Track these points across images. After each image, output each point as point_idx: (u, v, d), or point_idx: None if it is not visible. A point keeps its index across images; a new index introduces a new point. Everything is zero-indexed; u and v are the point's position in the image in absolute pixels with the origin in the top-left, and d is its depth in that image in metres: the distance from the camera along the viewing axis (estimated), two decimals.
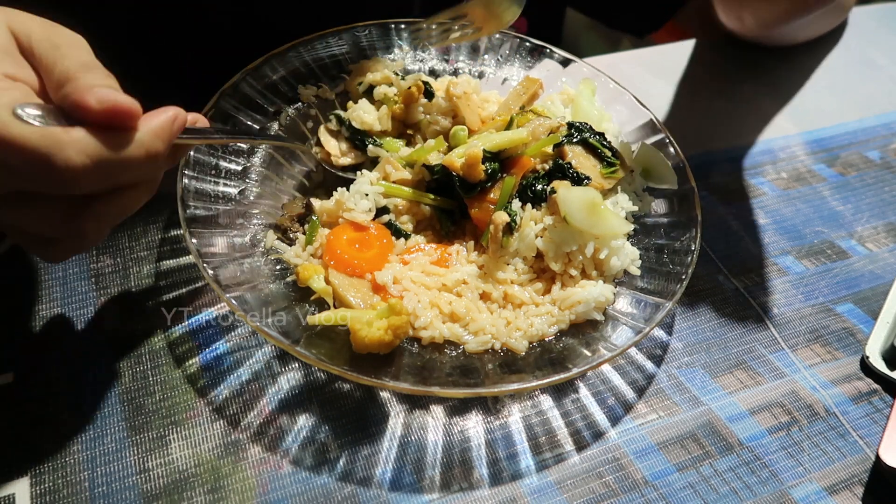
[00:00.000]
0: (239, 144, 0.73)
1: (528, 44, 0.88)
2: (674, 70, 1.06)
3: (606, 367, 0.69)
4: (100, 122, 0.47)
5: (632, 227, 0.74)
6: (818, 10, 0.68)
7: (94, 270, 0.70)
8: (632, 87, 0.86)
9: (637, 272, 0.71)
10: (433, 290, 0.67)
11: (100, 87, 0.48)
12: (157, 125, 0.50)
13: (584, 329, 0.67)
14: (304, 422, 0.62)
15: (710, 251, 0.81)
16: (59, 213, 0.50)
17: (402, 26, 0.86)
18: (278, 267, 0.68)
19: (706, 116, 0.99)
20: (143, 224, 0.74)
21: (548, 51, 0.88)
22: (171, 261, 0.71)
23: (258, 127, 0.76)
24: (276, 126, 0.78)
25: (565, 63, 0.87)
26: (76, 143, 0.46)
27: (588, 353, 0.63)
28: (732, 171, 0.92)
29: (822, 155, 0.96)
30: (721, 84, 1.04)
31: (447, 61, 0.88)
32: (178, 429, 0.60)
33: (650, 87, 1.01)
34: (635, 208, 0.77)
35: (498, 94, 0.87)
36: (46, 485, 0.56)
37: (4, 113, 0.46)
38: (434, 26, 0.78)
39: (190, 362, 0.64)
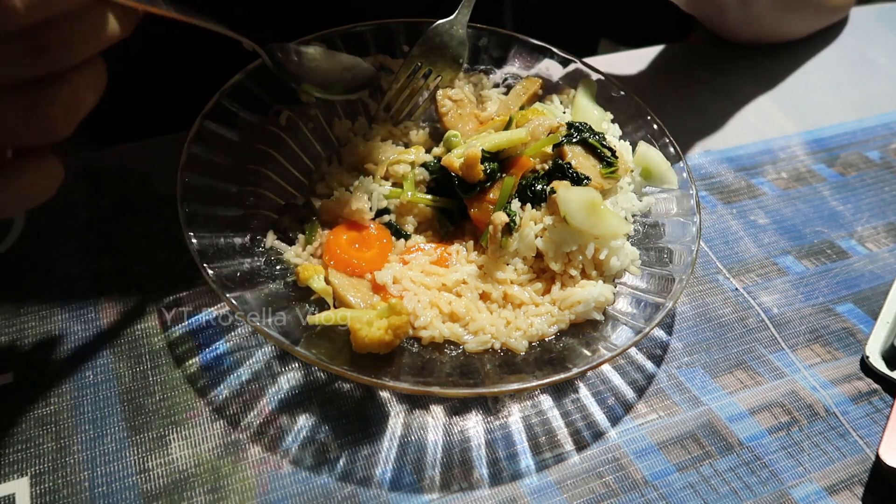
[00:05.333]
0: (240, 142, 0.73)
1: (528, 44, 0.88)
2: (674, 70, 1.06)
3: (606, 367, 0.69)
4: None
5: (632, 227, 0.74)
6: None
7: (94, 270, 0.70)
8: (632, 87, 0.86)
9: (637, 272, 0.71)
10: (433, 290, 0.67)
11: None
12: None
13: (584, 329, 0.67)
14: (304, 422, 0.62)
15: (710, 251, 0.81)
16: (18, 100, 0.43)
17: (402, 26, 0.86)
18: (278, 267, 0.68)
19: (706, 116, 0.99)
20: (143, 224, 0.74)
21: (548, 51, 0.88)
22: (171, 261, 0.71)
23: (258, 126, 0.76)
24: (276, 125, 0.77)
25: (565, 63, 0.87)
26: None
27: (588, 353, 0.63)
28: (732, 171, 0.92)
29: (821, 155, 0.96)
30: (721, 84, 1.04)
31: None
32: (178, 429, 0.60)
33: (650, 87, 1.01)
34: (635, 208, 0.77)
35: (498, 93, 0.87)
36: (46, 485, 0.56)
37: None
38: (401, 91, 0.80)
39: (190, 362, 0.64)
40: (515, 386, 0.59)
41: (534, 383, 0.59)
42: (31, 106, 0.44)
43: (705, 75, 1.05)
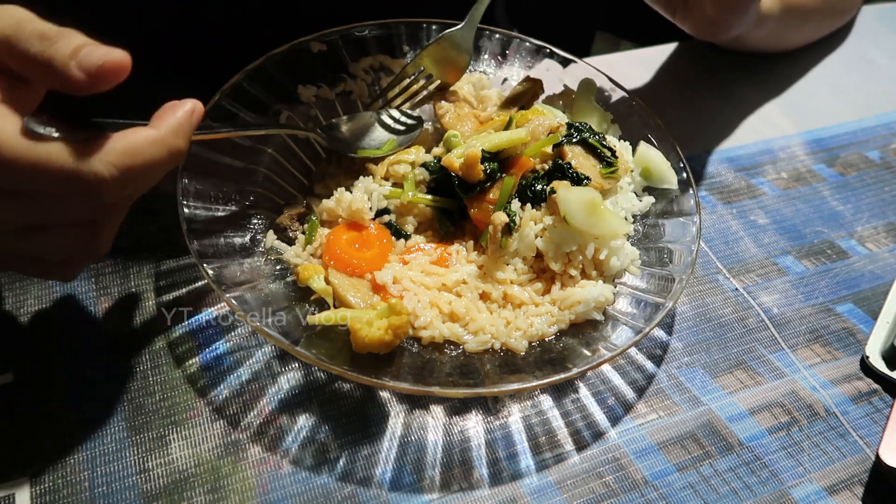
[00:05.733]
0: (239, 142, 0.73)
1: (528, 44, 0.88)
2: (674, 70, 1.06)
3: (606, 367, 0.69)
4: (97, 90, 0.47)
5: (631, 227, 0.74)
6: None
7: (94, 270, 0.70)
8: (632, 87, 0.86)
9: (637, 272, 0.71)
10: (433, 290, 0.67)
11: (75, 51, 0.46)
12: (175, 123, 0.50)
13: (584, 329, 0.67)
14: (304, 422, 0.62)
15: (710, 251, 0.81)
16: (77, 231, 0.50)
17: (402, 26, 0.86)
18: (278, 267, 0.68)
19: (706, 116, 0.99)
20: (143, 224, 0.74)
21: (548, 51, 0.88)
22: (171, 261, 0.71)
23: (257, 124, 0.76)
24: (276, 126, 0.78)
25: (565, 63, 0.87)
26: (101, 155, 0.46)
27: (588, 353, 0.63)
28: (732, 171, 0.92)
29: (822, 155, 0.96)
30: (721, 84, 1.04)
31: None
32: (178, 429, 0.60)
33: (650, 87, 1.01)
34: (635, 208, 0.77)
35: (498, 93, 0.87)
36: (46, 485, 0.56)
37: (16, 138, 0.45)
38: (398, 90, 0.81)
39: (190, 362, 0.64)
40: (515, 386, 0.59)
41: (534, 383, 0.59)
42: (88, 238, 0.52)
43: (706, 75, 1.05)
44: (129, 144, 0.47)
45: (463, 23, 0.79)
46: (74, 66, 0.46)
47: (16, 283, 0.68)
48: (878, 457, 0.63)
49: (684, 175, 0.77)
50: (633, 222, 0.76)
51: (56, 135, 0.45)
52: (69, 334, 0.65)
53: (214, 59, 0.80)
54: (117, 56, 0.47)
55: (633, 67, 1.04)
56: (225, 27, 0.91)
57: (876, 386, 0.71)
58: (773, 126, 1.00)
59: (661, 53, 1.09)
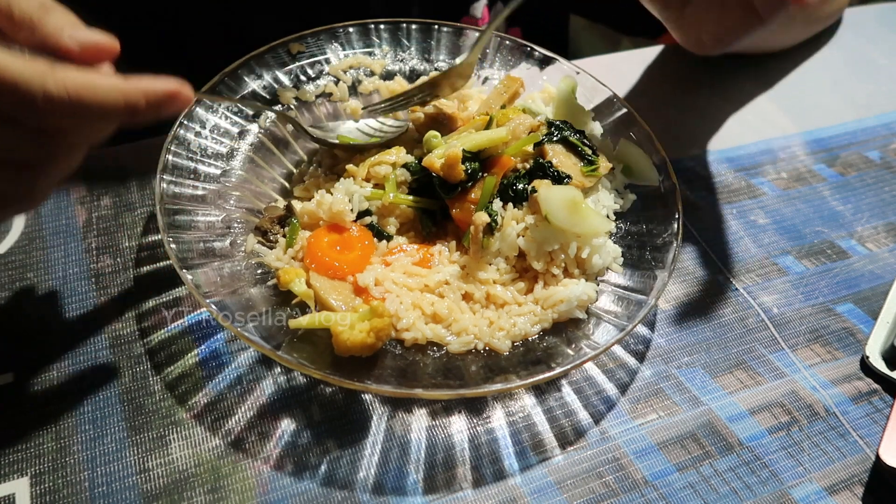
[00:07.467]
0: (219, 148, 0.73)
1: (508, 42, 0.88)
2: (673, 70, 1.06)
3: (606, 367, 0.69)
4: (81, 61, 0.49)
5: (613, 224, 0.73)
6: (772, 23, 0.71)
7: (94, 270, 0.70)
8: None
9: (619, 270, 0.71)
10: (415, 292, 0.67)
11: (68, 26, 0.49)
12: (145, 84, 0.49)
13: (568, 328, 0.67)
14: (304, 422, 0.62)
15: (711, 251, 0.81)
16: (10, 174, 0.50)
17: (382, 26, 0.86)
18: (259, 271, 0.67)
19: (706, 116, 0.99)
20: (143, 224, 0.74)
21: (528, 49, 0.87)
22: (171, 261, 0.71)
23: (237, 130, 0.75)
24: (255, 128, 0.77)
25: (546, 61, 0.87)
26: (58, 77, 0.46)
27: (571, 352, 0.63)
28: (732, 171, 0.92)
29: (822, 155, 0.96)
30: (720, 84, 1.04)
31: (429, 61, 0.88)
32: (178, 429, 0.60)
33: (650, 87, 1.01)
34: (617, 206, 0.77)
35: (479, 92, 0.86)
36: (46, 485, 0.56)
37: None
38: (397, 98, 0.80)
39: (190, 362, 0.64)
40: (499, 386, 0.59)
41: (517, 383, 0.59)
42: (21, 183, 0.51)
43: (705, 75, 1.05)
44: (90, 80, 0.47)
45: (465, 54, 0.77)
46: (67, 36, 0.48)
47: (16, 283, 0.68)
48: (878, 457, 0.63)
49: (666, 171, 0.77)
50: (615, 220, 0.76)
51: (23, 52, 0.47)
52: (69, 334, 0.65)
53: (206, 59, 0.80)
54: (109, 40, 0.50)
55: (631, 67, 1.04)
56: (203, 28, 0.91)
57: (876, 386, 0.71)
58: (774, 126, 1.00)
59: (660, 53, 1.09)
